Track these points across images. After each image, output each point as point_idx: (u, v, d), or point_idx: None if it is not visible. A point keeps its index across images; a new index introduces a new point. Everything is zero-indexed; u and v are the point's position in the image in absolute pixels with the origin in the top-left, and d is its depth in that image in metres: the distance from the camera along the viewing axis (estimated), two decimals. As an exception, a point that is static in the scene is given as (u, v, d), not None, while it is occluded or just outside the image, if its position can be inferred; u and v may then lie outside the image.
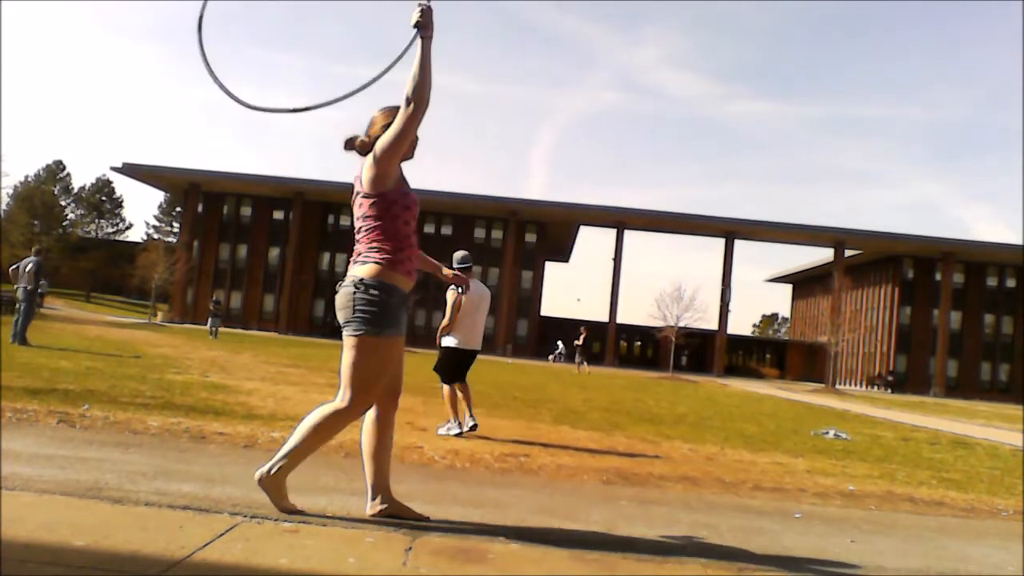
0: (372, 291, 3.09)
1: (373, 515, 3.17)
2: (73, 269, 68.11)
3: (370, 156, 3.14)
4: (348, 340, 3.12)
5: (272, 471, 3.09)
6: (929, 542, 3.85)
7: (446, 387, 6.72)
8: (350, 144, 3.29)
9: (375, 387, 3.14)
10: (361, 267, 3.14)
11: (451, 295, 6.73)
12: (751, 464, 6.40)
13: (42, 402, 5.79)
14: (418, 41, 3.09)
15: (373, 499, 3.21)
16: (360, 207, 3.20)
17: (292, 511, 3.11)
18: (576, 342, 32.00)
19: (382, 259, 3.12)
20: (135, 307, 65.96)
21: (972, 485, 6.24)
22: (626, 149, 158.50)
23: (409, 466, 4.76)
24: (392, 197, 3.15)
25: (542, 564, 2.77)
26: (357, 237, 3.23)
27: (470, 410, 6.72)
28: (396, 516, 3.18)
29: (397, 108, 3.16)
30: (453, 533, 3.08)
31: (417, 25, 3.09)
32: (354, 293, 3.10)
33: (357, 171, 3.25)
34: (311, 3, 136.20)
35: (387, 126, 3.15)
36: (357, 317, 3.09)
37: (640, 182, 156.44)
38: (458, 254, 6.94)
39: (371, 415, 3.26)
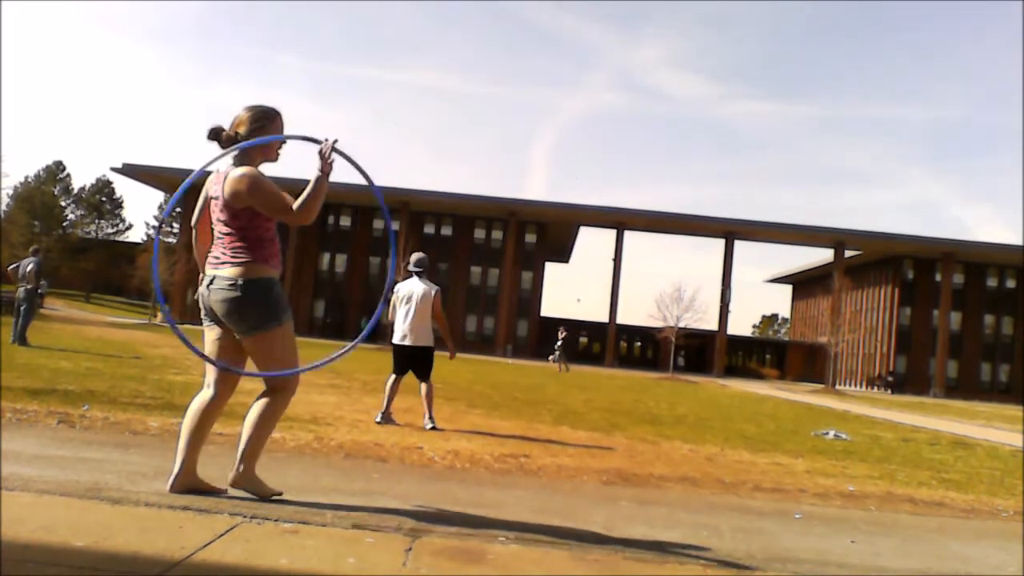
0: (256, 288, 3.21)
1: (173, 490, 3.26)
2: (73, 270, 68.14)
3: (241, 178, 3.19)
4: (256, 339, 3.24)
5: (240, 471, 3.28)
6: (929, 543, 3.85)
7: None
8: (215, 136, 3.32)
9: (296, 363, 3.35)
10: (232, 268, 3.23)
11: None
12: (751, 465, 6.40)
13: (42, 402, 5.79)
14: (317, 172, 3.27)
15: (178, 472, 3.28)
16: (223, 213, 3.25)
17: (276, 493, 3.31)
18: (558, 342, 31.91)
19: (254, 257, 3.25)
20: (135, 308, 65.96)
21: (972, 486, 6.24)
22: (626, 149, 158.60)
23: (409, 467, 4.76)
24: (255, 210, 3.24)
25: (542, 564, 2.77)
26: (225, 235, 3.28)
27: (428, 411, 6.97)
28: (196, 491, 3.29)
29: (259, 108, 3.34)
30: (453, 533, 3.08)
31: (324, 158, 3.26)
32: (239, 296, 3.20)
33: (220, 176, 3.28)
34: (311, 3, 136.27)
35: (252, 130, 3.29)
36: (255, 316, 3.21)
37: (640, 182, 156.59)
38: (414, 256, 7.40)
39: (208, 397, 3.37)
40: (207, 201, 3.38)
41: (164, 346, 17.99)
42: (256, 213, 3.24)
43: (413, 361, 7.19)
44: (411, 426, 6.82)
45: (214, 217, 3.32)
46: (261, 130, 3.32)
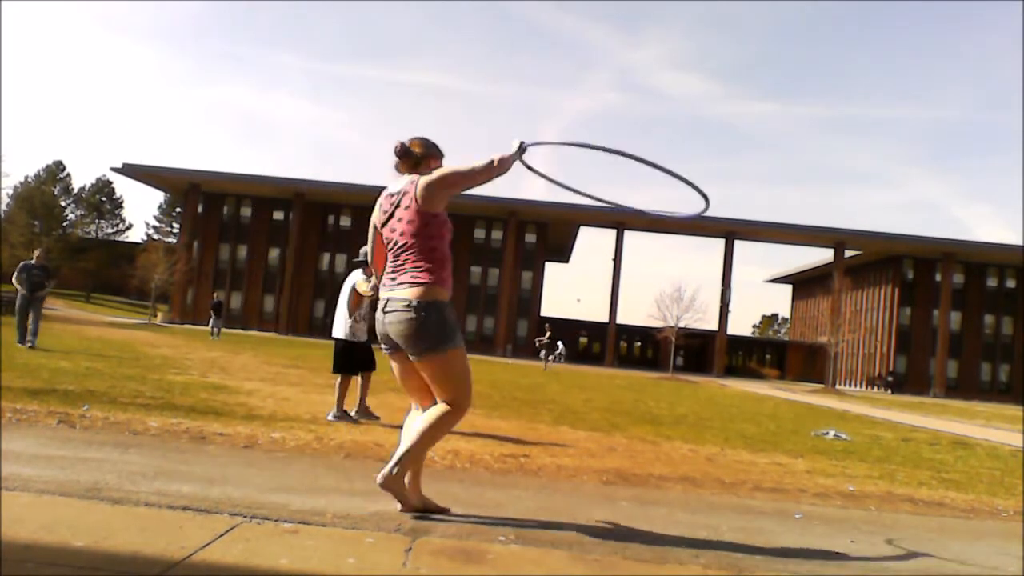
0: (436, 312, 3.21)
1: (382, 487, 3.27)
2: (73, 269, 68.10)
3: (436, 178, 3.24)
4: (433, 360, 3.23)
5: (393, 472, 3.23)
6: (929, 543, 3.84)
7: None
8: (404, 152, 3.38)
9: (471, 385, 3.37)
10: (409, 289, 3.23)
11: None
12: (751, 464, 6.40)
13: (42, 402, 5.79)
14: (515, 153, 3.30)
15: (392, 466, 3.28)
16: (410, 224, 3.26)
17: (418, 509, 3.31)
18: (541, 340, 32.09)
19: (432, 279, 3.23)
20: (135, 308, 65.95)
21: (972, 486, 6.24)
22: (626, 149, 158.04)
23: (409, 466, 4.75)
24: (443, 218, 3.31)
25: (542, 564, 2.77)
26: (401, 253, 3.29)
27: (360, 401, 6.99)
28: (426, 510, 3.34)
29: (425, 142, 3.39)
30: (453, 533, 3.08)
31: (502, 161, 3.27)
32: (417, 318, 3.19)
33: (400, 187, 3.33)
34: (311, 3, 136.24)
35: (423, 155, 3.35)
36: (433, 338, 3.20)
37: (640, 182, 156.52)
38: (363, 248, 7.14)
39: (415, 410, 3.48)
40: (377, 231, 3.44)
41: (164, 346, 17.99)
42: (438, 225, 3.26)
43: (350, 355, 7.02)
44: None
45: (395, 234, 3.31)
46: (430, 155, 3.39)
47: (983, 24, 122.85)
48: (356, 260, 7.25)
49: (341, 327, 7.09)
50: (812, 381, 54.72)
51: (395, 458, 3.25)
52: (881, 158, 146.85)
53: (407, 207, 3.28)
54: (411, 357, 3.27)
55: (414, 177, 3.32)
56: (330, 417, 6.71)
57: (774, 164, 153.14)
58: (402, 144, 3.39)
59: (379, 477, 3.24)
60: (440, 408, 3.29)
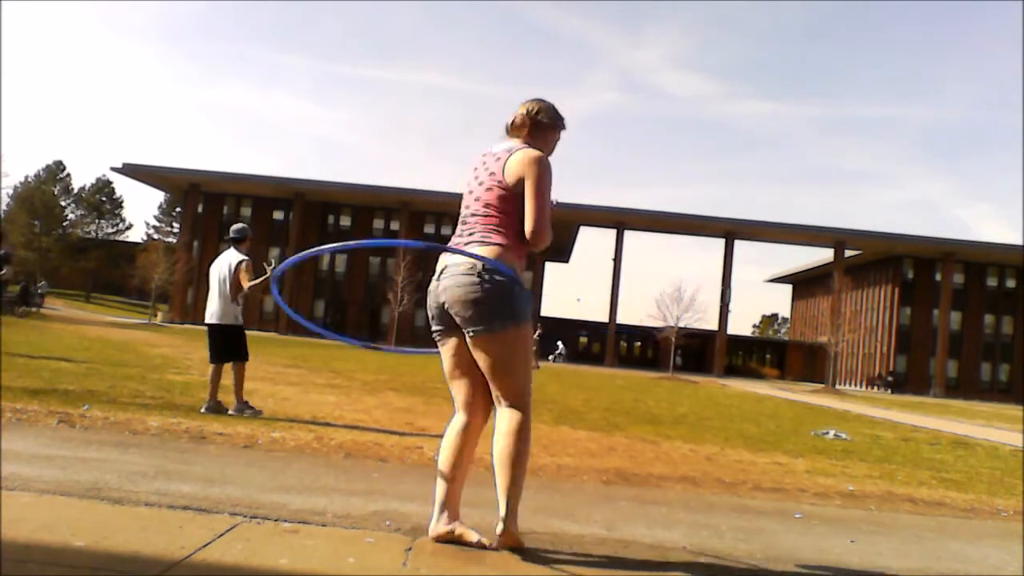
0: (501, 275, 2.71)
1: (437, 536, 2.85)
2: (73, 269, 68.16)
3: (532, 165, 2.77)
4: (488, 339, 2.73)
5: (507, 526, 2.75)
6: (929, 542, 3.84)
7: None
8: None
9: (530, 377, 2.91)
10: (479, 248, 2.75)
11: None
12: (751, 464, 6.40)
13: (42, 402, 5.79)
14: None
15: (439, 517, 2.87)
16: (489, 192, 2.81)
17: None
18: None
19: (504, 241, 2.77)
20: (135, 308, 65.94)
21: (972, 485, 6.24)
22: (626, 149, 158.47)
23: (409, 466, 4.76)
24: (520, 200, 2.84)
25: (542, 564, 2.77)
26: (464, 224, 2.88)
27: (238, 396, 6.58)
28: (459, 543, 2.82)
29: (536, 101, 2.97)
30: (453, 533, 3.07)
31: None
32: (479, 283, 2.69)
33: (491, 161, 2.87)
34: (311, 3, 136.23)
35: (549, 122, 2.96)
36: (494, 310, 2.70)
37: (640, 182, 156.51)
38: (233, 226, 6.93)
39: (460, 423, 2.99)
40: None
41: (164, 346, 17.99)
42: (520, 205, 2.76)
43: (221, 342, 6.63)
44: (410, 425, 6.81)
45: (471, 199, 2.87)
46: (554, 126, 2.99)
47: (983, 24, 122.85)
48: (230, 237, 6.86)
49: (220, 312, 6.62)
50: (812, 381, 54.70)
51: (502, 511, 2.74)
52: (881, 158, 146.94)
53: (493, 182, 2.86)
54: (468, 335, 2.75)
55: (521, 146, 2.89)
56: (203, 410, 6.38)
57: (774, 164, 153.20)
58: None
59: (496, 542, 2.77)
60: (511, 420, 2.78)
